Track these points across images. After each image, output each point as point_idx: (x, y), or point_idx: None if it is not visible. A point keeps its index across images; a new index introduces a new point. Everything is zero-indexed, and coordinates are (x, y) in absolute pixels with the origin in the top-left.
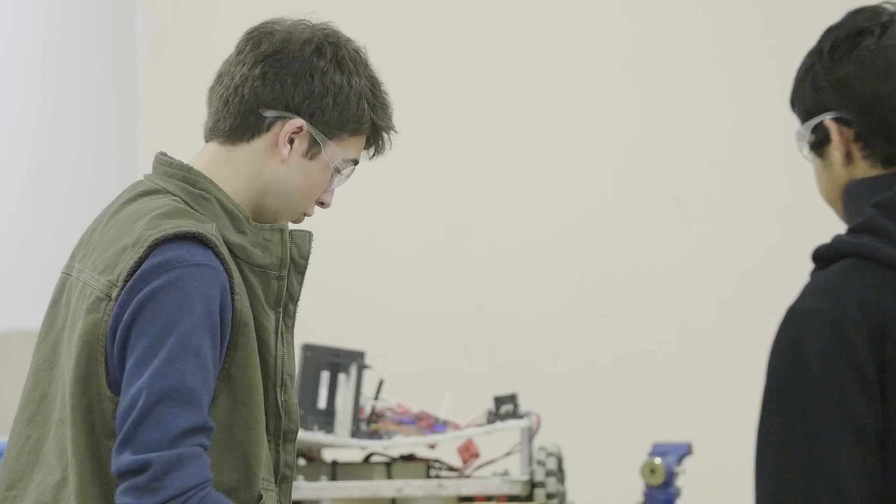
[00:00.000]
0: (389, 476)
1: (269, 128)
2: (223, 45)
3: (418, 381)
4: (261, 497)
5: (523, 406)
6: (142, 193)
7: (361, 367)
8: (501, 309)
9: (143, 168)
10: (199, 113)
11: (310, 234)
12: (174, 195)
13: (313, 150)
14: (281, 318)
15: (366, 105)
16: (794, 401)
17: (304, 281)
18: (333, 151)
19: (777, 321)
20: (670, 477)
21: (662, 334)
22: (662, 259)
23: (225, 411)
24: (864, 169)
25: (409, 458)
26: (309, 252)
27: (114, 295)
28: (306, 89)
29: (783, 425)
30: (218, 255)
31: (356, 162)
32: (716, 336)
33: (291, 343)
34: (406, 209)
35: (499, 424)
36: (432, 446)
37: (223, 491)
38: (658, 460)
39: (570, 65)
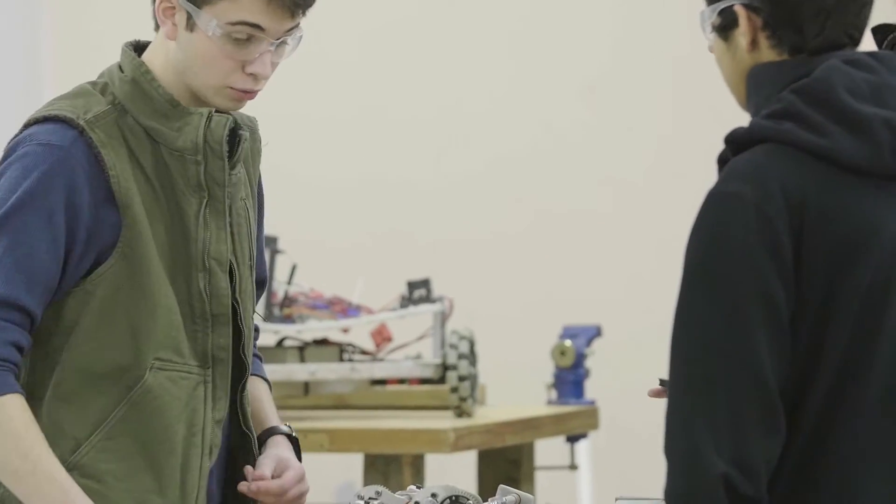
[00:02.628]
0: (303, 360)
1: (158, 10)
2: None
3: (331, 267)
4: (142, 377)
5: (436, 290)
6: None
7: (274, 251)
8: (415, 193)
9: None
10: None
11: (227, 118)
12: (100, 77)
13: (190, 21)
14: (205, 203)
15: None
16: (714, 282)
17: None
18: (207, 19)
19: (683, 205)
20: (580, 358)
21: (573, 218)
22: (573, 144)
23: (111, 289)
24: (769, 55)
25: (322, 342)
26: (222, 136)
27: None
28: None
29: (702, 305)
30: (84, 136)
31: (255, 26)
32: (625, 220)
33: (223, 228)
34: (317, 86)
35: (412, 309)
36: (345, 330)
37: (109, 368)
38: (568, 342)
39: None
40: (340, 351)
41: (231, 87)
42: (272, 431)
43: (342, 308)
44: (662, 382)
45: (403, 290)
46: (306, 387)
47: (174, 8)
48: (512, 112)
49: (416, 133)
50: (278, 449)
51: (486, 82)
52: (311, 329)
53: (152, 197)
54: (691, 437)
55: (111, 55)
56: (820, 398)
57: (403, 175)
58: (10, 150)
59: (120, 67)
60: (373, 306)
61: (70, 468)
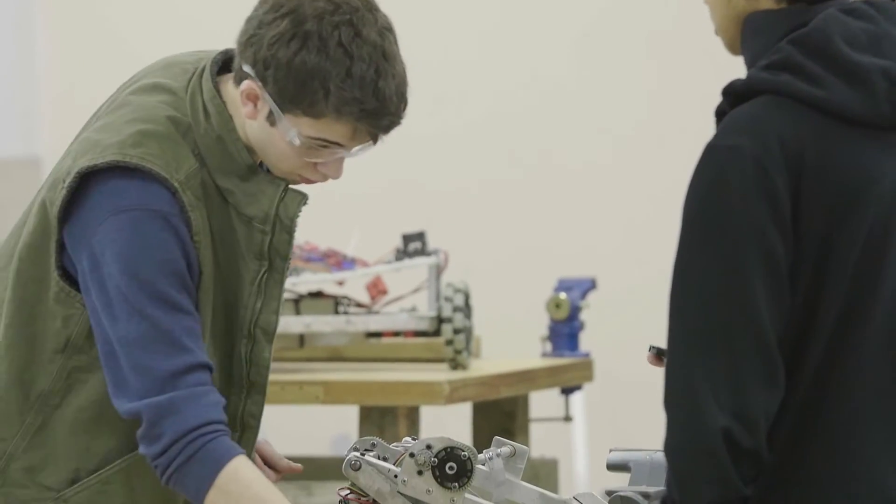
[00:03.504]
0: (298, 312)
1: (240, 80)
2: None
3: (326, 219)
4: None
5: (431, 243)
6: (157, 89)
7: None
8: (411, 146)
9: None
10: None
11: (303, 195)
12: (177, 112)
13: (271, 117)
14: (264, 272)
15: (320, 88)
16: (713, 235)
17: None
18: (287, 126)
19: (679, 156)
20: (575, 311)
21: (569, 170)
22: (569, 94)
23: None
24: (767, 2)
25: (317, 294)
26: (296, 214)
27: (67, 183)
28: (272, 55)
29: (700, 259)
30: (177, 198)
31: (336, 144)
32: (621, 171)
33: (277, 298)
34: None
35: (407, 261)
36: (340, 283)
37: None
38: (563, 295)
39: None
40: (335, 303)
41: (300, 175)
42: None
43: (337, 261)
44: (655, 350)
45: (398, 242)
46: (301, 339)
47: (258, 97)
48: (506, 63)
49: (410, 85)
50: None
51: (480, 33)
52: (306, 282)
53: (215, 259)
54: (691, 391)
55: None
56: (819, 349)
57: (398, 127)
58: (111, 201)
59: (205, 109)
60: (368, 259)
61: (61, 500)
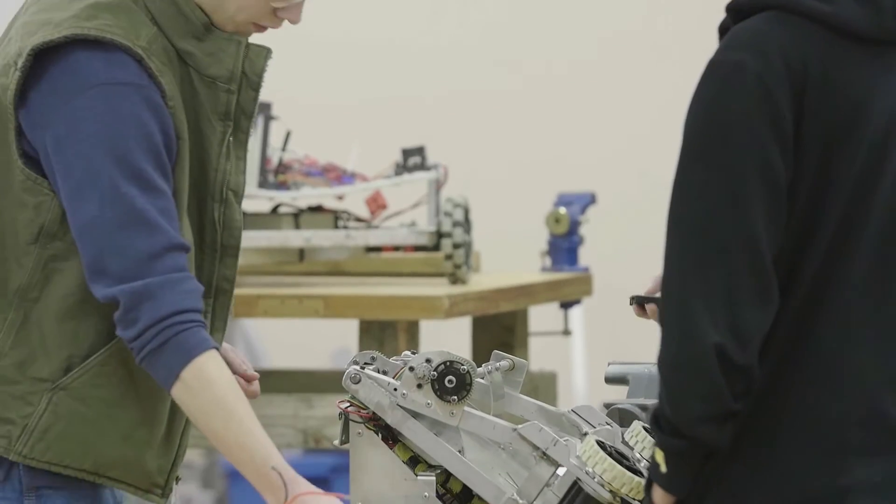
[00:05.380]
0: (297, 226)
1: None
2: None
3: (326, 133)
4: None
5: (431, 158)
6: None
7: (268, 118)
8: (410, 58)
9: None
10: None
11: (267, 49)
12: None
13: None
14: (230, 133)
15: None
16: (713, 151)
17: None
18: None
19: (680, 69)
20: (574, 226)
21: (568, 83)
22: (568, 3)
23: None
24: None
25: (317, 209)
26: (263, 69)
27: (20, 64)
28: None
29: (700, 175)
30: (143, 65)
31: None
32: (621, 85)
33: (243, 159)
34: None
35: (406, 176)
36: (340, 198)
37: None
38: (562, 209)
39: None
40: (335, 218)
41: (255, 24)
42: None
43: (337, 175)
44: (636, 300)
45: (398, 157)
46: (301, 253)
47: None
48: None
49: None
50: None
51: None
52: (306, 196)
53: (188, 124)
54: (686, 307)
55: None
56: (814, 266)
57: (397, 39)
58: (75, 78)
59: None
60: (367, 173)
61: (59, 388)
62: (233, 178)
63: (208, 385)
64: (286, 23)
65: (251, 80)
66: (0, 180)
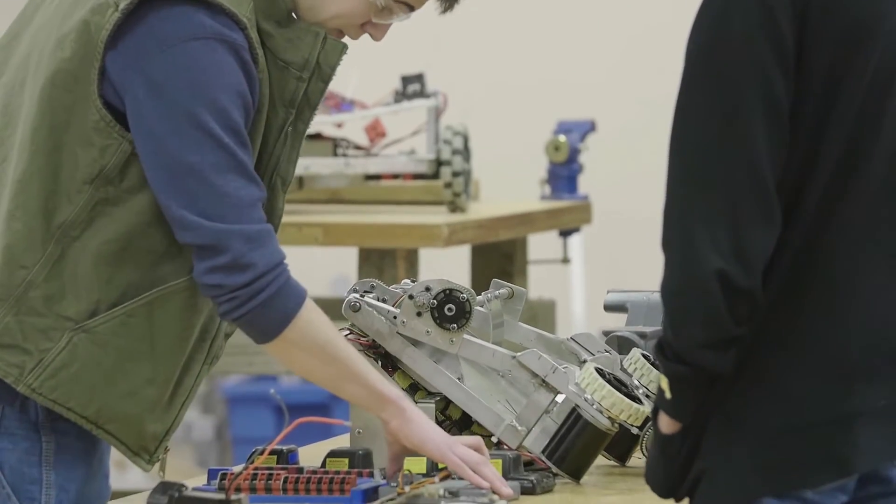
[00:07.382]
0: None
1: None
2: None
3: None
4: (190, 272)
5: (430, 85)
6: None
7: None
8: None
9: None
10: None
11: (343, 45)
12: None
13: None
14: (291, 120)
15: None
16: (714, 75)
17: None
18: None
19: None
20: (574, 153)
21: (568, 9)
22: None
23: None
24: None
25: (316, 136)
26: (336, 63)
27: (122, 7)
28: None
29: (701, 98)
30: (248, 37)
31: (407, 6)
32: (618, 9)
33: (297, 149)
34: None
35: (406, 104)
36: (339, 125)
37: (161, 248)
38: (562, 137)
39: None
40: (334, 146)
41: (341, 31)
42: None
43: (336, 102)
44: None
45: (397, 84)
46: (300, 181)
47: None
48: None
49: None
50: None
51: None
52: None
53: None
54: (688, 232)
55: None
56: (820, 189)
57: None
58: (179, 27)
59: None
60: (366, 101)
61: (81, 330)
62: (283, 165)
63: (321, 326)
64: None
65: (323, 71)
66: (69, 116)
